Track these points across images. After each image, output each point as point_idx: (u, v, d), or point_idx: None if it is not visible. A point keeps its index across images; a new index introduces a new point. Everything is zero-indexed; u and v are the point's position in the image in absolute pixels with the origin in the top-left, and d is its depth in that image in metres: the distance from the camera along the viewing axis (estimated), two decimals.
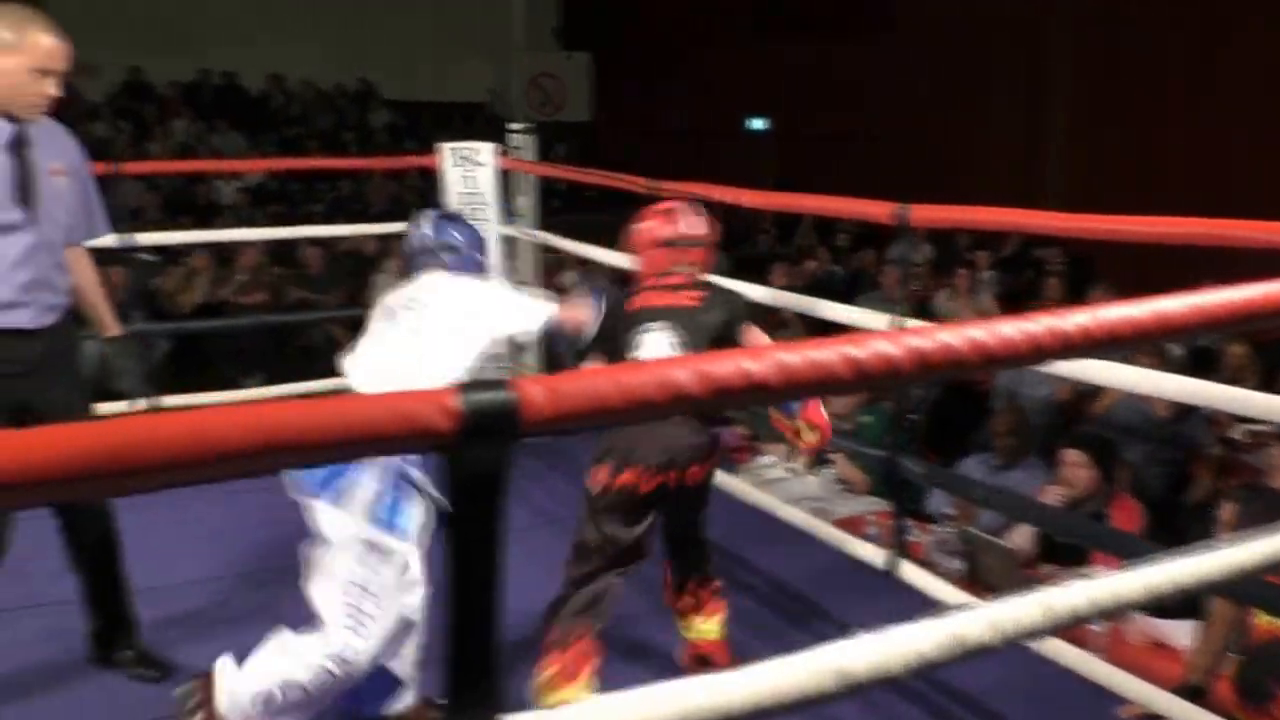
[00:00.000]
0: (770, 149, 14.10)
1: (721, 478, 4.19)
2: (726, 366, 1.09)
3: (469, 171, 5.44)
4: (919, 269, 8.76)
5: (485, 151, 5.46)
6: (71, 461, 0.95)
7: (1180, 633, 3.32)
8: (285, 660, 2.33)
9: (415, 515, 2.39)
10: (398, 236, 8.37)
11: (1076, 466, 3.94)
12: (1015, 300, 7.59)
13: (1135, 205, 3.47)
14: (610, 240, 5.74)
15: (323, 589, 2.35)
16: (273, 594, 3.52)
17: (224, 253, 8.71)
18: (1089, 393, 5.37)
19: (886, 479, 4.04)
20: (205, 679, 2.44)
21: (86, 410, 3.03)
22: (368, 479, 2.31)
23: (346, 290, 8.85)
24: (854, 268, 9.59)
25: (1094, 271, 8.38)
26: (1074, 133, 10.97)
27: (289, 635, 2.38)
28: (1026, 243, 9.20)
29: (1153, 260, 3.55)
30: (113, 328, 3.18)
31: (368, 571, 2.31)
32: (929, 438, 5.84)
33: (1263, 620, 2.81)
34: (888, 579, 3.41)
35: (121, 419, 0.98)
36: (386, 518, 2.33)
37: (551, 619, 2.93)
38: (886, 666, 1.19)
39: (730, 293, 3.30)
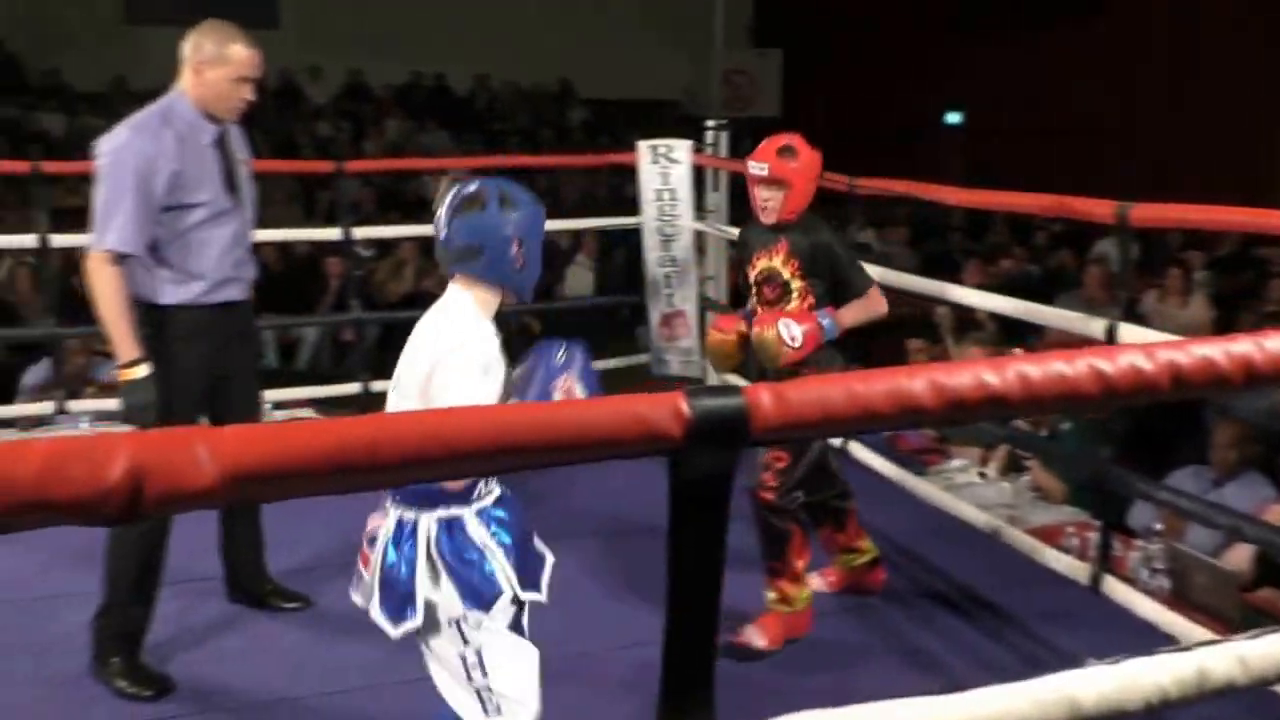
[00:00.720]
0: (961, 145, 13.72)
1: (909, 480, 4.11)
2: (964, 379, 1.05)
3: (665, 168, 5.47)
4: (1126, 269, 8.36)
5: (681, 148, 5.48)
6: (321, 458, 0.98)
7: None
8: None
9: (448, 577, 2.12)
10: (591, 231, 8.48)
11: None
12: (1231, 303, 7.17)
13: None
14: None
15: (447, 689, 2.17)
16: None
17: (429, 245, 9.00)
18: None
19: (1091, 489, 3.86)
20: None
21: (258, 376, 3.45)
22: (423, 571, 2.11)
23: (541, 282, 9.01)
24: (1051, 267, 9.23)
25: None
26: None
27: None
28: (1246, 242, 8.68)
29: None
30: None
31: (466, 651, 2.12)
32: (1131, 447, 5.57)
33: None
34: (1087, 594, 3.27)
35: (364, 419, 1.01)
36: (473, 586, 2.11)
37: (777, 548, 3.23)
38: (1121, 701, 1.13)
39: None
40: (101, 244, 2.90)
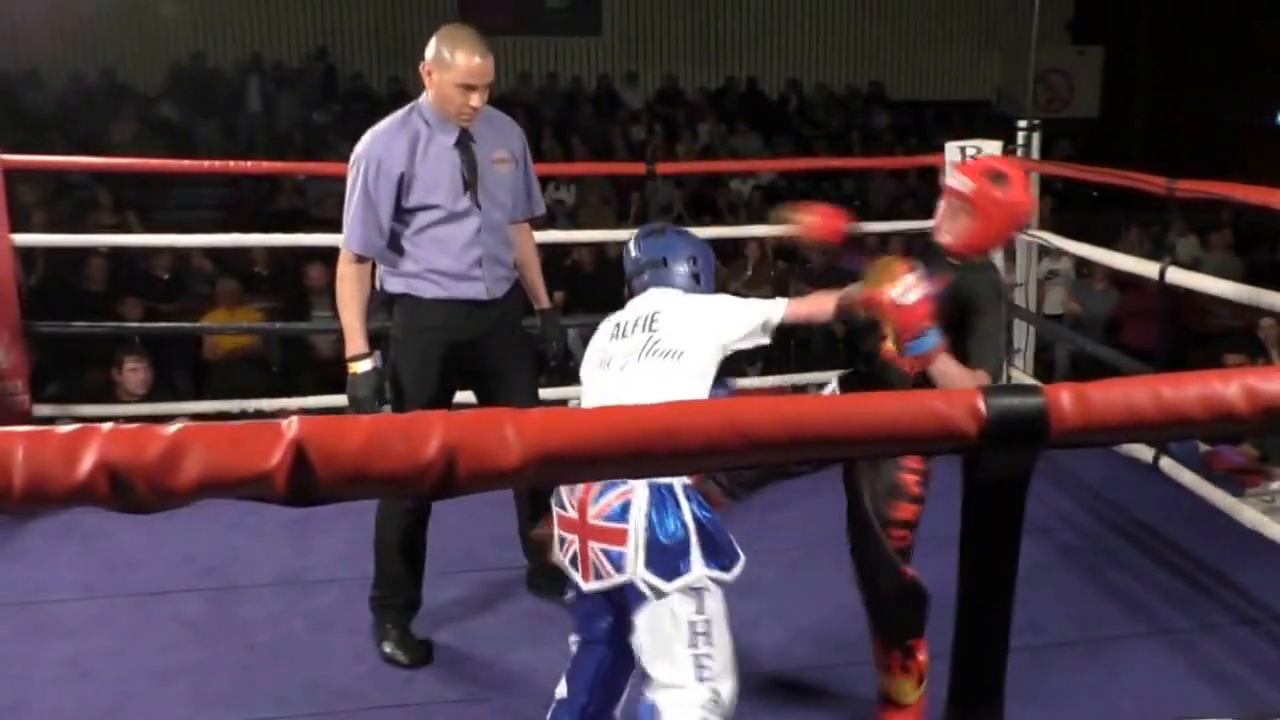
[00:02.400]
0: None
1: (1225, 500, 3.81)
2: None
3: None
4: None
5: (990, 149, 5.31)
6: (622, 442, 1.03)
7: None
8: None
9: (695, 547, 2.26)
10: (897, 234, 8.37)
11: None
12: None
13: None
14: (1108, 241, 5.39)
15: (658, 654, 2.27)
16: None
17: (737, 249, 9.13)
18: None
19: None
20: None
21: (534, 377, 3.44)
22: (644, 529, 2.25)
23: (840, 284, 8.95)
24: None
25: None
26: None
27: None
28: None
29: None
30: (544, 301, 3.56)
31: (699, 620, 2.24)
32: None
33: None
34: None
35: (663, 405, 1.05)
36: (682, 558, 2.24)
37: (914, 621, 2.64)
38: None
39: None
40: (344, 244, 3.09)
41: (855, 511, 2.66)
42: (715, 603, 2.25)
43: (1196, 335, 7.81)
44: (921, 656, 2.66)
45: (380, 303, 3.23)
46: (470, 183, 3.10)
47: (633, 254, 2.62)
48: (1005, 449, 0.99)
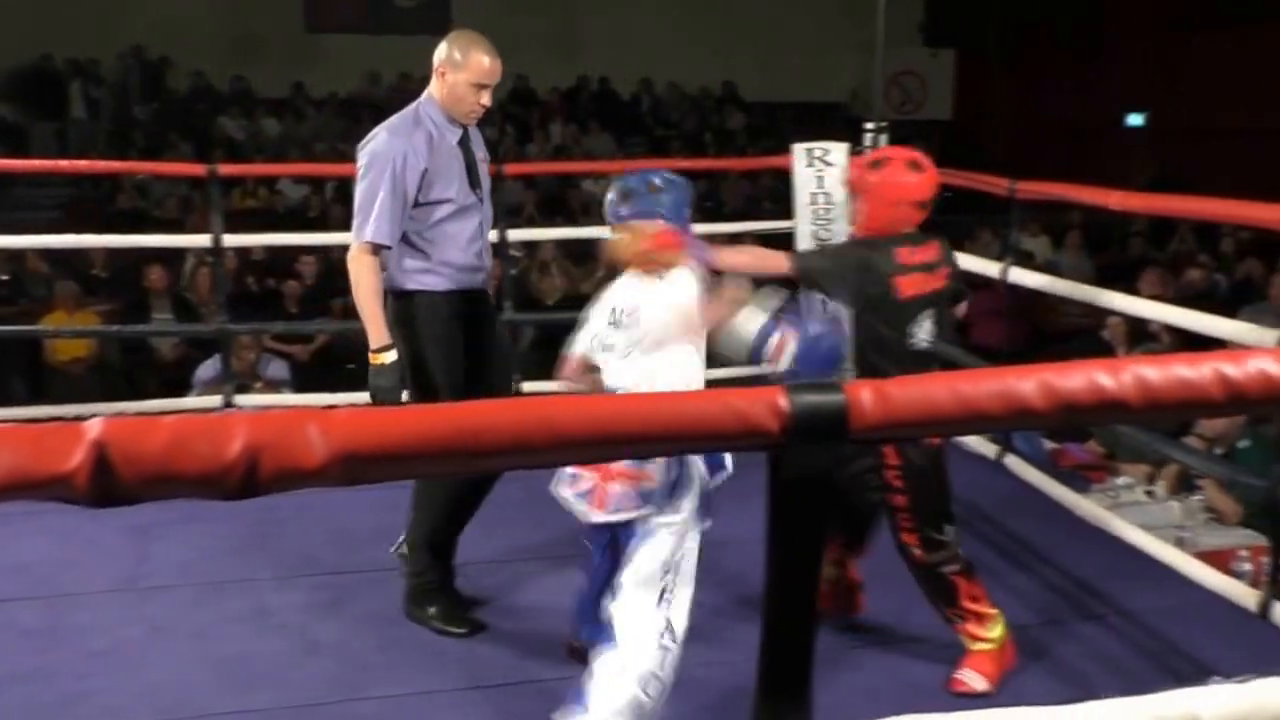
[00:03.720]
0: (1147, 146, 13.16)
1: (1072, 498, 3.96)
2: (1078, 380, 1.02)
3: (820, 171, 5.41)
4: None
5: (836, 151, 5.41)
6: (429, 442, 1.01)
7: None
8: (627, 662, 2.50)
9: (693, 495, 2.57)
10: (749, 235, 8.47)
11: None
12: None
13: None
14: (960, 242, 5.57)
15: (639, 578, 2.55)
16: None
17: (588, 250, 9.13)
18: None
19: (1266, 511, 3.65)
20: None
21: (509, 360, 3.69)
22: (661, 472, 2.51)
23: None
24: (1239, 278, 8.77)
25: None
26: None
27: (611, 653, 2.52)
28: None
29: None
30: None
31: (674, 554, 2.54)
32: None
33: None
34: (1254, 621, 3.09)
35: (473, 405, 1.03)
36: (678, 501, 2.54)
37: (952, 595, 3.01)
38: None
39: (955, 262, 3.17)
40: (361, 236, 3.12)
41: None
42: (693, 545, 2.56)
43: (1047, 334, 8.11)
44: (972, 610, 3.00)
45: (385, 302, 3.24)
46: (474, 180, 3.26)
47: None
48: (808, 445, 1.00)
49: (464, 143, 3.25)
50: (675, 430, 0.99)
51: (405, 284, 3.21)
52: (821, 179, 5.40)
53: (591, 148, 13.44)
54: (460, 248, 3.22)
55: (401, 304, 3.22)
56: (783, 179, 5.78)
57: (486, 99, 3.23)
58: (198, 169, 5.50)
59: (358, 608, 3.47)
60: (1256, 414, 4.77)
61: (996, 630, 3.04)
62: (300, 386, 6.54)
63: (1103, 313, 6.20)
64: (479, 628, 3.31)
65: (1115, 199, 3.70)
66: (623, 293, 2.71)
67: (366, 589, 3.57)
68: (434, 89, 3.24)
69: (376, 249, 3.12)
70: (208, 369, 6.15)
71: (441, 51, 3.21)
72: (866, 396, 1.00)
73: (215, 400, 5.01)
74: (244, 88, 14.29)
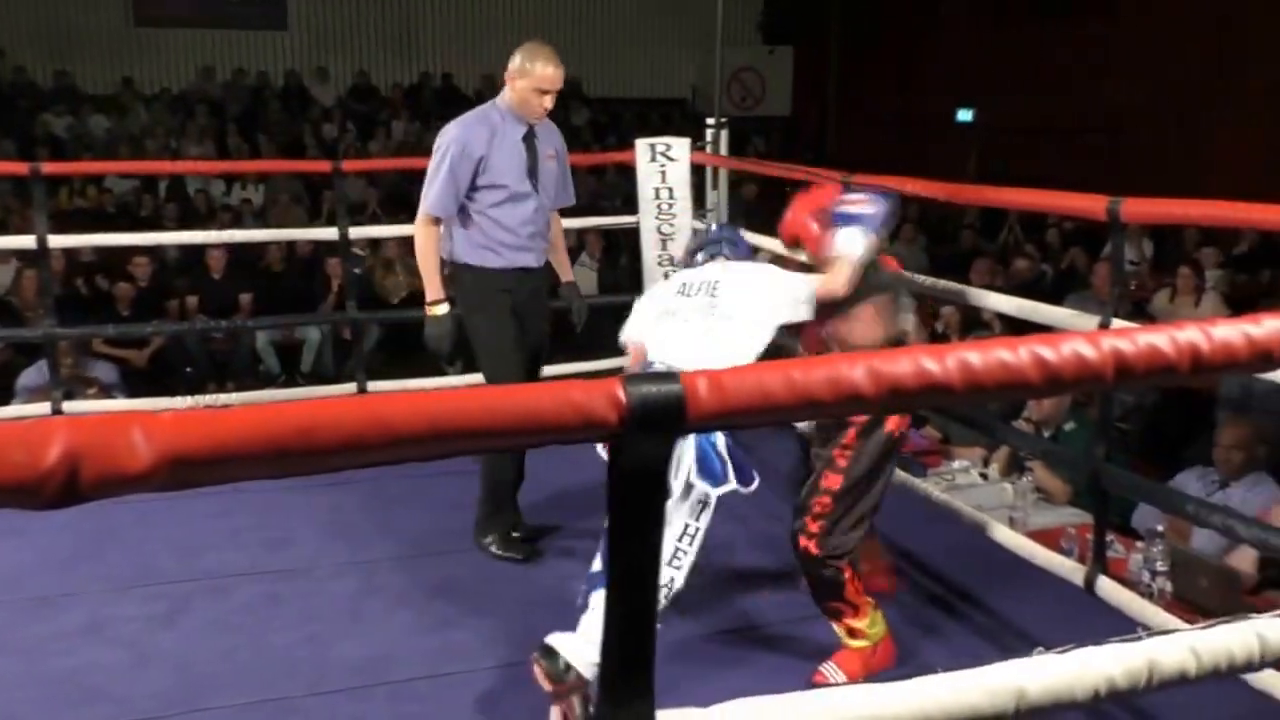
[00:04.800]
0: (977, 141, 13.67)
1: (909, 480, 4.09)
2: (904, 366, 1.05)
3: (663, 166, 5.47)
4: (1137, 267, 8.30)
5: (679, 146, 5.47)
6: (258, 441, 0.98)
7: None
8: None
9: (720, 465, 2.80)
10: (594, 230, 8.47)
11: None
12: (1248, 303, 7.08)
13: None
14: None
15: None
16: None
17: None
18: None
19: (1090, 490, 3.83)
20: (547, 654, 2.66)
21: (548, 326, 4.09)
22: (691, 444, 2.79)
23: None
24: (1064, 267, 9.19)
25: None
26: None
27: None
28: (1266, 238, 8.56)
29: None
30: (568, 275, 4.33)
31: (695, 519, 2.79)
32: (1142, 448, 5.52)
33: None
34: (1081, 595, 3.23)
35: (303, 404, 1.01)
36: (710, 471, 2.77)
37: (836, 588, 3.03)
38: (1069, 690, 1.12)
39: None
40: (422, 207, 3.71)
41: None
42: (707, 517, 2.80)
43: None
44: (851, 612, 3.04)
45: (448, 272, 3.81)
46: (532, 170, 3.76)
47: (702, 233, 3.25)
48: (646, 435, 1.00)
49: (528, 139, 3.76)
50: (513, 425, 0.98)
51: (461, 256, 3.76)
52: (664, 174, 5.46)
53: (434, 144, 13.27)
54: (511, 229, 3.73)
55: (457, 272, 3.79)
56: (627, 174, 5.81)
57: (549, 102, 3.71)
58: (20, 167, 5.29)
59: (196, 617, 3.38)
60: (1078, 396, 5.02)
61: (877, 626, 3.05)
62: (135, 391, 6.29)
63: (936, 300, 6.42)
64: (534, 551, 3.81)
65: (936, 189, 3.83)
66: (697, 272, 3.10)
67: (204, 598, 3.48)
68: (505, 92, 3.74)
69: (434, 220, 3.70)
70: (31, 375, 5.86)
71: (513, 61, 3.70)
72: (702, 385, 1.01)
73: (43, 408, 4.78)
74: (68, 83, 13.66)
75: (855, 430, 3.01)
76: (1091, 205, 3.17)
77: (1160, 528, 3.84)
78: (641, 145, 5.48)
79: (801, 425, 3.31)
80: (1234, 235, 8.75)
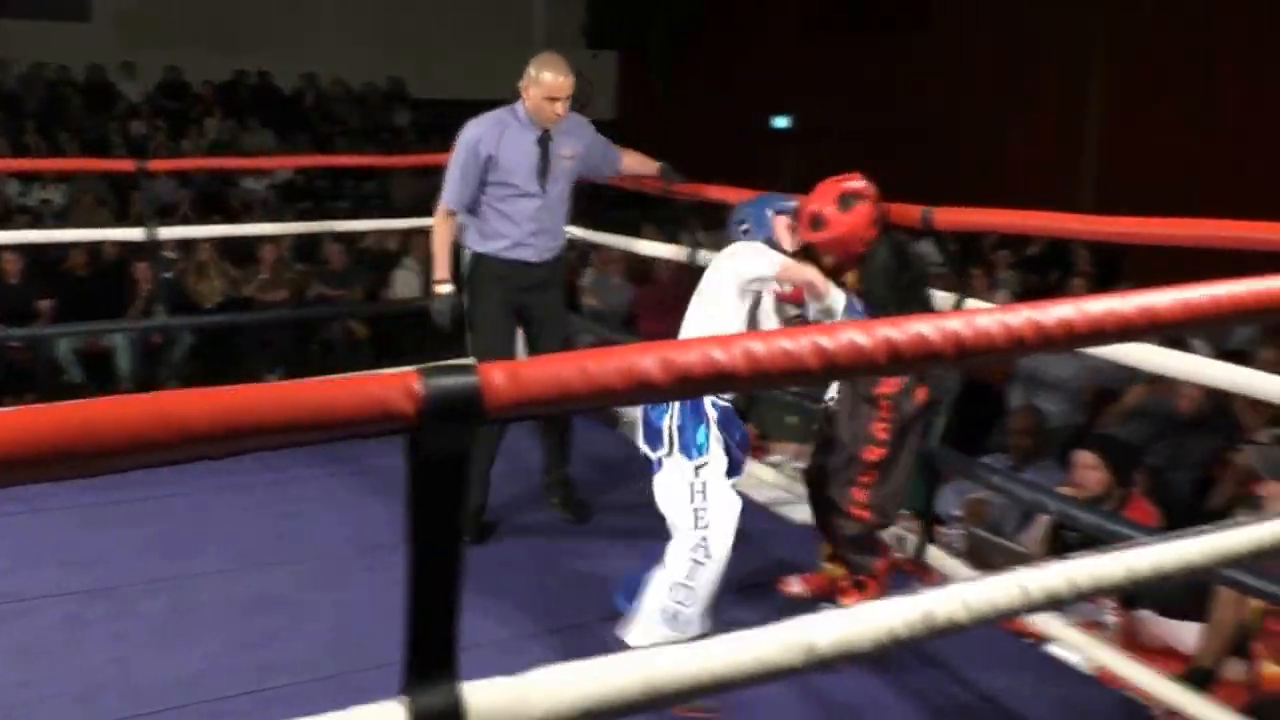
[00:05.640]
0: (795, 148, 14.06)
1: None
2: (693, 355, 1.09)
3: None
4: (939, 269, 8.71)
5: None
6: (44, 442, 0.96)
7: (1188, 634, 3.29)
8: (663, 574, 2.95)
9: (709, 433, 2.99)
10: (420, 232, 8.38)
11: (1089, 469, 3.90)
12: (1036, 301, 7.51)
13: (1177, 205, 3.42)
14: (631, 236, 5.80)
15: (670, 504, 2.99)
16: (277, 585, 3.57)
17: (249, 250, 8.78)
18: (1110, 394, 5.33)
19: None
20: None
21: (566, 320, 4.41)
22: (671, 420, 2.98)
23: (367, 287, 8.91)
24: None
25: (1121, 272, 8.34)
26: (1111, 132, 10.82)
27: (659, 571, 2.98)
28: (1055, 242, 9.10)
29: (1186, 261, 3.52)
30: (653, 169, 4.59)
31: (695, 482, 2.95)
32: (946, 438, 5.79)
33: (1271, 671, 2.75)
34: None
35: (89, 401, 0.99)
36: (690, 443, 2.96)
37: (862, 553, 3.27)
38: (855, 643, 1.19)
39: None
40: (440, 200, 4.01)
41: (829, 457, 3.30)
42: (713, 474, 2.97)
43: None
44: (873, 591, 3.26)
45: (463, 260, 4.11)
46: (542, 171, 3.97)
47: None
48: (444, 427, 1.02)
49: (543, 141, 3.97)
50: (307, 419, 0.99)
51: (467, 242, 4.08)
52: None
53: (251, 144, 12.90)
54: (514, 224, 3.98)
55: (465, 259, 4.10)
56: None
57: (560, 108, 3.91)
58: None
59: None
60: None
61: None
62: None
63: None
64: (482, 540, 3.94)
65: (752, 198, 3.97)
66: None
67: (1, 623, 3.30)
68: (523, 99, 3.94)
69: (450, 212, 3.99)
70: None
71: (527, 73, 3.91)
72: (499, 377, 1.03)
73: None
74: None
75: (888, 405, 3.18)
76: (907, 213, 3.34)
77: (957, 512, 4.07)
78: None
79: (832, 398, 3.42)
80: (1026, 238, 9.26)
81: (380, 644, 2.81)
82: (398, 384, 1.00)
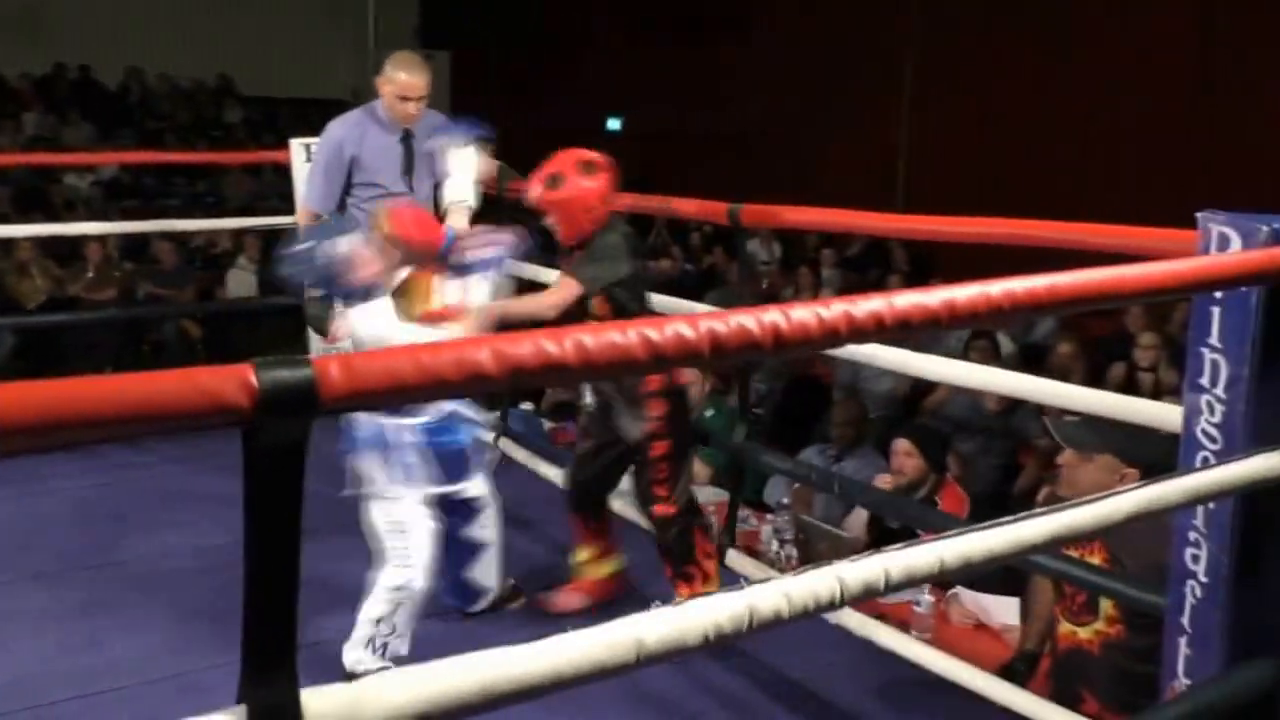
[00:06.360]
0: (628, 150, 14.21)
1: (554, 471, 4.26)
2: (525, 347, 1.13)
3: None
4: (767, 266, 9.04)
5: None
6: None
7: (1003, 609, 3.47)
8: (369, 605, 2.96)
9: (412, 461, 3.01)
10: (252, 231, 8.20)
11: (905, 456, 4.08)
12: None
13: (985, 205, 3.62)
14: None
15: (375, 532, 3.02)
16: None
17: (74, 248, 8.46)
18: (926, 387, 5.58)
19: (727, 471, 4.14)
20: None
21: None
22: (371, 434, 2.98)
23: (199, 286, 8.68)
24: (705, 266, 9.81)
25: (933, 269, 8.74)
26: (922, 135, 11.30)
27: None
28: (874, 242, 9.48)
29: (994, 259, 3.73)
30: None
31: (393, 515, 2.99)
32: (773, 431, 6.00)
33: (1065, 629, 2.92)
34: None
35: None
36: (392, 470, 2.99)
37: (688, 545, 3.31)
38: (682, 637, 1.23)
39: None
40: (303, 203, 4.01)
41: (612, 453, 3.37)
42: (401, 503, 3.00)
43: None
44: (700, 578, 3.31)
45: None
46: (408, 169, 3.96)
47: None
48: (280, 419, 1.03)
49: (406, 139, 3.97)
50: (136, 411, 0.98)
51: None
52: None
53: (72, 139, 12.38)
54: None
55: None
56: (285, 174, 5.67)
57: (413, 108, 3.90)
58: None
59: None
60: (716, 385, 5.39)
61: (713, 587, 3.27)
62: None
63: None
64: None
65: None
66: None
67: None
68: (380, 97, 3.96)
69: (313, 214, 3.90)
70: None
71: (383, 70, 3.92)
72: (334, 369, 1.04)
73: None
74: None
75: (657, 400, 3.22)
76: (714, 210, 3.45)
77: (786, 500, 4.21)
78: (296, 145, 5.38)
79: (592, 400, 3.44)
80: (848, 238, 9.62)
81: (216, 645, 2.80)
82: (232, 376, 1.00)
